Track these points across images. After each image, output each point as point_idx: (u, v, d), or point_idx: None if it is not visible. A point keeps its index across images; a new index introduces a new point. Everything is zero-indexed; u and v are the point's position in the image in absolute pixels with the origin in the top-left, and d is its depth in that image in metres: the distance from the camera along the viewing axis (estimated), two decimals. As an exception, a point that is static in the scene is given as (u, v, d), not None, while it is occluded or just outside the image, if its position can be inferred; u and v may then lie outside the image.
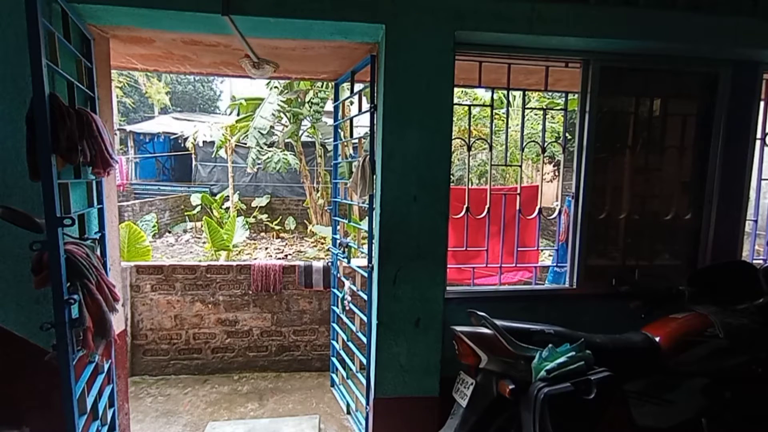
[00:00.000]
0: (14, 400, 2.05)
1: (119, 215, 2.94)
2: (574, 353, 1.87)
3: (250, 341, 3.65)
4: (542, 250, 6.69)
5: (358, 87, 3.02)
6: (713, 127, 2.74)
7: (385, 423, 2.46)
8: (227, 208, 10.71)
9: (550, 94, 8.09)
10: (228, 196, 11.28)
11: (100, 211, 2.22)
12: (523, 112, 2.91)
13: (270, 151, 10.13)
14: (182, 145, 14.71)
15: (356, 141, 4.91)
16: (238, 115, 10.86)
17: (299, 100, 9.44)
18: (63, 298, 1.58)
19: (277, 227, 11.44)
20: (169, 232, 11.25)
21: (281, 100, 9.00)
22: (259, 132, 8.66)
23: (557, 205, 3.00)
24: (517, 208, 2.83)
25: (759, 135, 2.84)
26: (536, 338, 2.00)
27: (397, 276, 2.35)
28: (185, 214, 12.02)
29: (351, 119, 4.34)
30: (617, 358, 2.02)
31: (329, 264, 3.56)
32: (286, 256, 9.17)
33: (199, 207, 11.37)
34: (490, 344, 1.95)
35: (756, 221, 3.04)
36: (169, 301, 3.55)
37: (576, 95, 2.66)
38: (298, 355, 3.69)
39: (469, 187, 2.91)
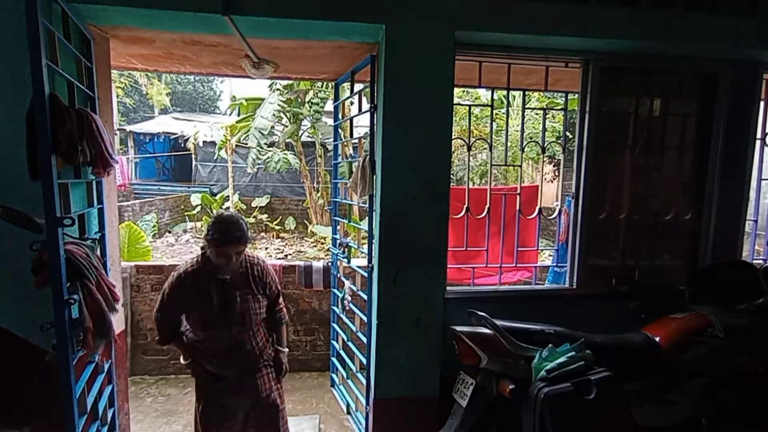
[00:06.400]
0: (14, 400, 2.04)
1: (119, 215, 2.94)
2: (574, 353, 1.87)
3: (250, 341, 3.65)
4: (542, 250, 6.68)
5: (358, 87, 3.02)
6: (713, 127, 2.74)
7: (385, 423, 2.45)
8: (227, 208, 10.71)
9: (550, 93, 8.09)
10: (228, 196, 11.29)
11: (100, 211, 2.22)
12: (523, 112, 2.91)
13: (270, 151, 10.14)
14: (182, 145, 14.70)
15: (356, 141, 4.92)
16: (238, 115, 10.86)
17: (299, 100, 9.44)
18: (63, 298, 1.58)
19: (277, 227, 11.44)
20: (169, 232, 11.25)
21: (281, 100, 9.00)
22: (259, 132, 8.67)
23: (557, 205, 3.00)
24: (517, 208, 2.83)
25: (759, 135, 2.84)
26: (536, 338, 2.01)
27: (397, 276, 2.35)
28: (185, 214, 12.01)
29: (351, 119, 4.35)
30: (617, 358, 2.02)
31: (329, 264, 3.56)
32: (286, 256, 9.16)
33: (199, 207, 11.37)
34: (490, 344, 1.95)
35: (756, 221, 3.04)
36: (169, 301, 3.55)
37: (576, 95, 2.66)
38: (298, 355, 3.69)
39: (470, 187, 2.91)
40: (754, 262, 2.91)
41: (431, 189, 2.32)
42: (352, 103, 7.07)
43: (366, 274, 2.66)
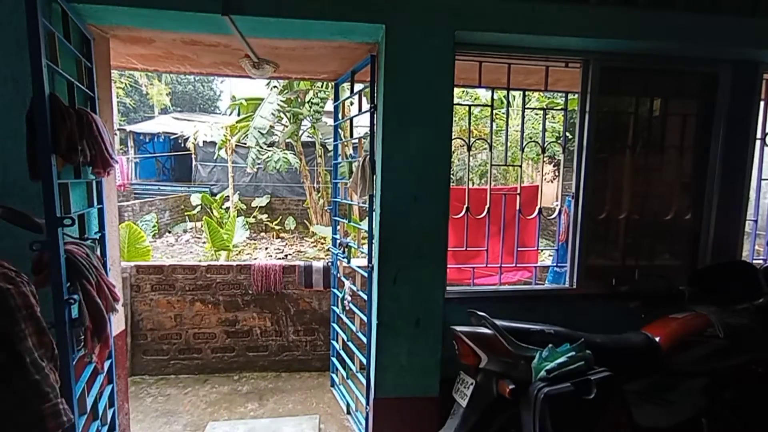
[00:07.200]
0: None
1: (119, 215, 2.94)
2: (574, 353, 1.87)
3: (250, 341, 3.65)
4: (542, 250, 6.68)
5: (358, 87, 3.02)
6: (713, 127, 2.74)
7: (385, 423, 2.45)
8: (227, 208, 10.71)
9: (550, 93, 8.09)
10: (228, 196, 11.28)
11: (100, 211, 2.22)
12: (523, 112, 2.91)
13: (270, 150, 10.14)
14: (182, 145, 14.72)
15: (356, 141, 4.91)
16: (238, 115, 10.87)
17: (299, 100, 9.45)
18: (63, 298, 1.58)
19: (277, 227, 11.44)
20: (169, 232, 11.25)
21: (281, 100, 9.01)
22: (259, 132, 8.68)
23: (557, 205, 3.00)
24: (517, 208, 2.83)
25: (759, 135, 2.84)
26: (536, 338, 2.01)
27: (397, 276, 2.35)
28: (185, 214, 12.01)
29: (351, 119, 4.34)
30: (617, 358, 2.02)
31: (329, 264, 3.56)
32: (286, 256, 9.16)
33: (199, 207, 11.37)
34: (490, 344, 1.95)
35: (756, 221, 3.04)
36: (169, 301, 3.55)
37: (576, 95, 2.66)
38: (298, 355, 3.69)
39: (470, 187, 2.91)
40: (754, 262, 2.91)
41: (431, 189, 2.32)
42: (352, 103, 7.08)
43: (366, 274, 2.66)
